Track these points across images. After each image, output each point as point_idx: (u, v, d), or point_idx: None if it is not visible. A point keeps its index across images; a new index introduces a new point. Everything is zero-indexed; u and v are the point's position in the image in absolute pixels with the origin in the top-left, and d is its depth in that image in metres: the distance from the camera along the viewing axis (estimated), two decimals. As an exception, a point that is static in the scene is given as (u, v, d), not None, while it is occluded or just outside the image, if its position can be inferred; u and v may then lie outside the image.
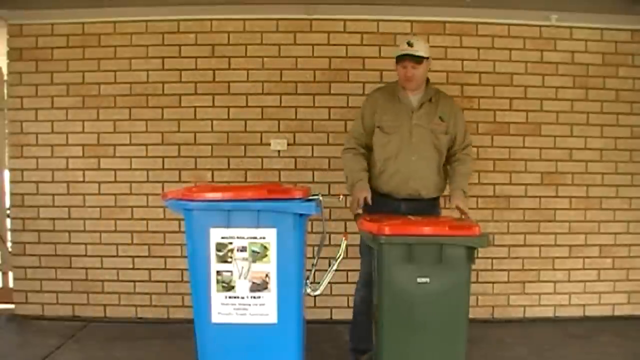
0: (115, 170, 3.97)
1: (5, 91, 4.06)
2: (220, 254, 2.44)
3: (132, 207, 3.97)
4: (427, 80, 3.05)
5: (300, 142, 3.96)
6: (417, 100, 3.01)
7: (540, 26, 3.98)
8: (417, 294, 2.47)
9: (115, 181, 3.98)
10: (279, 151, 3.95)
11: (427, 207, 2.98)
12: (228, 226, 2.42)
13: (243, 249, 2.44)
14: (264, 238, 2.43)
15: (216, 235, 2.43)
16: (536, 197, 4.02)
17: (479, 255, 3.80)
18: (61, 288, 4.00)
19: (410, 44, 2.88)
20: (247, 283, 2.45)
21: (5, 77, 4.05)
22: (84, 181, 3.98)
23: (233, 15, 3.92)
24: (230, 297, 2.45)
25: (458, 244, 2.47)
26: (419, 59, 2.87)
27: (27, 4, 3.87)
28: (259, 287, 2.45)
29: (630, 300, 4.08)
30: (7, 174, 4.13)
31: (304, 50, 3.93)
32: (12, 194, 4.06)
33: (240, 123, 3.96)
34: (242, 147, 3.96)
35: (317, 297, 3.33)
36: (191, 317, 2.54)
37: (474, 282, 3.64)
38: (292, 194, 2.47)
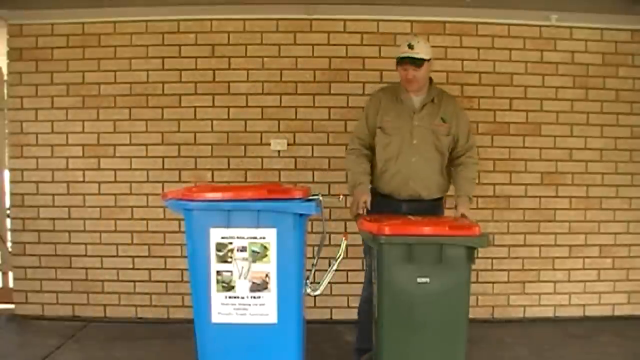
0: (115, 170, 3.97)
1: (5, 91, 4.07)
2: (220, 254, 2.44)
3: (132, 207, 3.98)
4: (431, 80, 3.03)
5: (300, 142, 3.96)
6: (419, 101, 2.99)
7: (540, 26, 3.98)
8: (417, 294, 2.46)
9: (115, 181, 3.98)
10: (279, 151, 3.95)
11: (428, 208, 2.96)
12: (228, 226, 2.42)
13: (243, 249, 2.44)
14: (264, 238, 2.43)
15: (216, 235, 2.43)
16: (536, 197, 4.02)
17: (479, 255, 3.81)
18: (61, 288, 4.00)
19: (410, 46, 2.86)
20: (247, 283, 2.44)
21: (5, 77, 4.05)
22: (84, 181, 3.98)
23: (233, 15, 3.92)
24: (230, 297, 2.45)
25: (458, 244, 2.46)
26: (419, 62, 2.85)
27: (27, 4, 3.87)
28: (259, 287, 2.45)
29: (630, 300, 4.08)
30: (7, 174, 4.13)
31: (304, 50, 3.93)
32: (12, 194, 4.06)
33: (240, 123, 3.96)
34: (242, 147, 3.96)
35: (317, 297, 3.33)
36: (191, 317, 2.53)
37: (474, 282, 3.64)
38: (292, 194, 2.47)
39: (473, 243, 2.47)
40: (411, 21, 3.94)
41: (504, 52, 3.98)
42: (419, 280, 2.46)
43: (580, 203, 4.04)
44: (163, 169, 3.97)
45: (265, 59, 3.94)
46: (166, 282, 3.98)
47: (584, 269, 4.05)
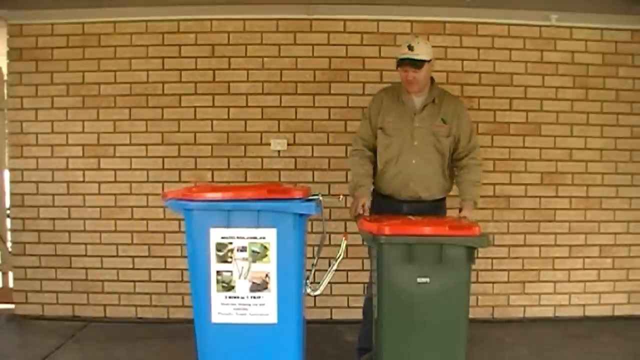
0: (115, 170, 3.97)
1: (5, 91, 4.07)
2: (220, 254, 2.44)
3: (132, 207, 3.98)
4: (432, 80, 3.01)
5: (300, 142, 3.96)
6: (420, 102, 2.97)
7: (540, 26, 3.98)
8: (417, 294, 2.46)
9: (115, 181, 3.98)
10: (279, 151, 3.95)
11: (429, 209, 2.94)
12: (228, 226, 2.42)
13: (243, 249, 2.44)
14: (264, 238, 2.43)
15: (216, 235, 2.43)
16: (536, 197, 4.02)
17: (479, 255, 3.82)
18: (61, 288, 4.00)
19: (410, 48, 2.83)
20: (247, 283, 2.44)
21: (5, 77, 4.05)
22: (84, 181, 3.98)
23: (233, 15, 3.92)
24: (230, 297, 2.45)
25: (458, 244, 2.46)
26: (419, 63, 2.83)
27: (27, 4, 3.87)
28: (259, 287, 2.45)
29: (630, 300, 4.08)
30: (7, 174, 4.13)
31: (304, 50, 3.93)
32: (12, 194, 4.06)
33: (240, 123, 3.96)
34: (242, 147, 3.96)
35: (317, 297, 3.33)
36: (191, 317, 2.53)
37: (474, 282, 3.64)
38: (292, 194, 2.47)
39: (473, 243, 2.47)
40: (411, 21, 3.94)
41: (504, 52, 3.98)
42: (419, 280, 2.46)
43: (580, 203, 4.04)
44: (163, 169, 3.97)
45: (265, 59, 3.94)
46: (166, 282, 3.98)
47: (584, 269, 4.05)
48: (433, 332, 2.48)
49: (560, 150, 4.02)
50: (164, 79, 3.95)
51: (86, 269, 3.99)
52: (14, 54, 3.98)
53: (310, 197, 2.52)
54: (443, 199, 3.07)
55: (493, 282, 4.02)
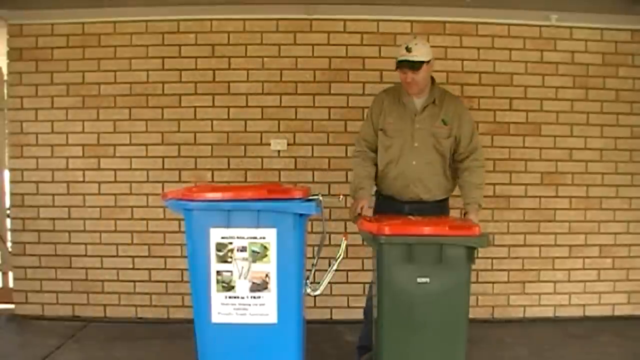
0: (115, 170, 3.97)
1: (5, 91, 4.07)
2: (220, 254, 2.44)
3: (132, 207, 3.98)
4: (433, 80, 2.99)
5: (300, 142, 3.96)
6: (420, 103, 2.95)
7: (540, 26, 3.98)
8: (417, 294, 2.46)
9: (115, 181, 3.98)
10: (279, 151, 3.95)
11: (431, 209, 2.93)
12: (228, 226, 2.42)
13: (243, 249, 2.44)
14: (264, 238, 2.43)
15: (216, 235, 2.43)
16: (536, 197, 4.02)
17: (479, 255, 3.82)
18: (61, 288, 4.00)
19: (408, 49, 2.81)
20: (247, 283, 2.44)
21: (5, 77, 4.05)
22: (84, 181, 3.99)
23: (233, 15, 3.92)
24: (230, 297, 2.45)
25: (458, 244, 2.46)
26: (417, 65, 2.81)
27: (27, 4, 3.87)
28: (259, 287, 2.45)
29: (630, 300, 4.08)
30: (7, 174, 4.13)
31: (304, 50, 3.93)
32: (12, 194, 4.06)
33: (240, 123, 3.96)
34: (242, 147, 3.96)
35: (317, 297, 3.33)
36: (191, 317, 2.53)
37: (474, 282, 3.64)
38: (292, 194, 2.47)
39: (473, 243, 2.47)
40: (411, 21, 3.94)
41: (504, 52, 3.98)
42: (419, 280, 2.46)
43: (580, 203, 4.04)
44: (163, 169, 3.97)
45: (265, 59, 3.94)
46: (166, 282, 3.98)
47: (584, 269, 4.05)
48: (433, 332, 2.48)
49: (560, 150, 4.02)
50: (164, 79, 3.95)
51: (86, 269, 3.99)
52: (14, 54, 3.98)
53: (310, 197, 2.52)
54: (445, 200, 3.06)
55: (493, 282, 4.02)
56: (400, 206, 2.96)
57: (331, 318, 3.97)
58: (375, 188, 3.09)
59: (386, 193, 3.03)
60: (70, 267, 3.99)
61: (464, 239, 2.47)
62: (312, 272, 2.66)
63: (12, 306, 4.05)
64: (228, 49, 3.94)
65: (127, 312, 3.99)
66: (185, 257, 2.51)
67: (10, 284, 4.14)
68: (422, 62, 2.82)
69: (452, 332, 2.50)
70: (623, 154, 4.05)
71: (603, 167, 4.04)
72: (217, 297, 2.45)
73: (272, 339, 2.45)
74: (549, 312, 4.05)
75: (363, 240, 2.76)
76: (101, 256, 3.99)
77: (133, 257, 3.98)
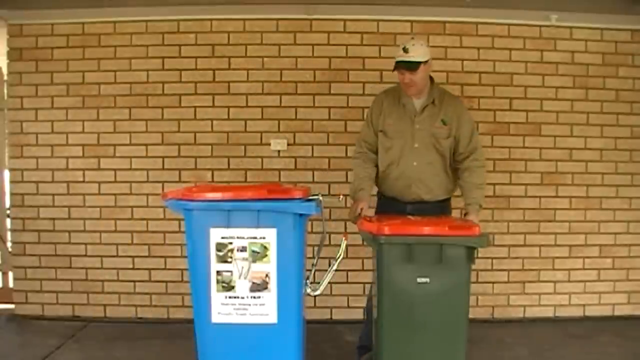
0: (115, 170, 3.97)
1: (5, 91, 4.07)
2: (220, 254, 2.44)
3: (132, 207, 3.98)
4: (432, 80, 2.98)
5: (300, 142, 3.96)
6: (420, 103, 2.95)
7: (540, 26, 3.98)
8: (417, 294, 2.46)
9: (115, 181, 3.98)
10: (279, 151, 3.95)
11: (434, 210, 2.92)
12: (228, 226, 2.42)
13: (243, 249, 2.44)
14: (264, 238, 2.43)
15: (216, 235, 2.43)
16: (536, 197, 4.02)
17: (479, 255, 3.81)
18: (61, 288, 4.00)
19: (405, 50, 2.80)
20: (247, 283, 2.44)
21: (5, 77, 4.05)
22: (84, 181, 3.99)
23: (233, 15, 3.92)
24: (230, 297, 2.45)
25: (458, 244, 2.46)
26: (414, 65, 2.79)
27: (27, 4, 3.87)
28: (259, 287, 2.45)
29: (630, 300, 4.08)
30: (7, 174, 4.13)
31: (304, 50, 3.93)
32: (12, 194, 4.06)
33: (240, 123, 3.96)
34: (242, 147, 3.96)
35: (317, 297, 3.33)
36: (191, 317, 2.53)
37: (474, 282, 3.64)
38: (292, 194, 2.47)
39: (473, 243, 2.46)
40: (411, 21, 3.94)
41: (504, 52, 3.98)
42: (418, 280, 2.46)
43: (580, 203, 4.04)
44: (163, 169, 3.97)
45: (265, 59, 3.94)
46: (166, 282, 3.98)
47: (584, 269, 4.05)
48: (433, 332, 2.48)
49: (560, 150, 4.02)
50: (164, 79, 3.95)
51: (86, 269, 3.99)
52: (14, 54, 3.98)
53: (310, 197, 2.52)
54: (447, 200, 3.05)
55: (493, 282, 4.02)
56: (402, 207, 2.95)
57: (331, 318, 3.97)
58: (374, 189, 3.09)
59: (388, 194, 3.03)
60: (70, 267, 3.99)
61: (463, 239, 2.47)
62: (312, 272, 2.66)
63: (12, 306, 4.05)
64: (228, 49, 3.94)
65: (127, 312, 3.99)
66: (185, 257, 2.51)
67: (10, 284, 4.14)
68: (419, 63, 2.81)
69: (452, 332, 2.50)
70: (623, 154, 4.05)
71: (603, 167, 4.04)
72: (217, 297, 2.45)
73: (272, 339, 2.45)
74: (549, 312, 4.05)
75: (363, 240, 2.76)
76: (101, 256, 3.99)
77: (133, 257, 3.98)
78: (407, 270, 2.45)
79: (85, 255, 3.99)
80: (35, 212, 3.99)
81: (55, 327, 3.82)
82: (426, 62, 2.84)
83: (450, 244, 2.45)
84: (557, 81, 4.01)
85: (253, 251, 2.43)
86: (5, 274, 4.22)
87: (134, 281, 3.99)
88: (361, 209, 2.92)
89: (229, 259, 2.44)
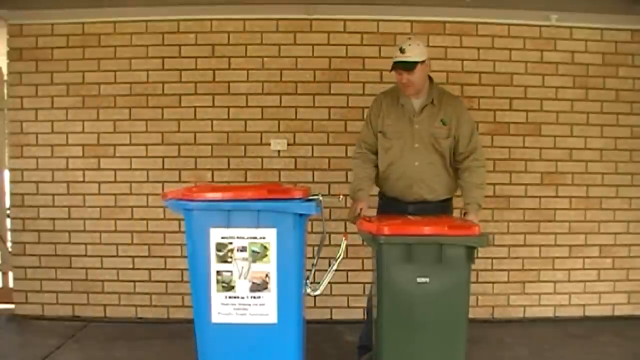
0: (115, 170, 3.97)
1: (5, 91, 4.07)
2: (220, 254, 2.44)
3: (132, 207, 3.98)
4: (431, 80, 2.98)
5: (300, 142, 3.96)
6: (419, 103, 2.94)
7: (540, 26, 3.98)
8: (416, 294, 2.46)
9: (115, 181, 3.98)
10: (279, 151, 3.95)
11: (435, 210, 2.92)
12: (228, 226, 2.42)
13: (243, 249, 2.44)
14: (264, 238, 2.43)
15: (216, 235, 2.43)
16: (536, 197, 4.02)
17: (479, 255, 3.81)
18: (61, 288, 4.00)
19: (402, 50, 2.81)
20: (247, 283, 2.44)
21: (5, 77, 4.05)
22: (84, 181, 3.99)
23: (233, 15, 3.92)
24: (230, 297, 2.45)
25: (458, 244, 2.46)
26: (411, 65, 2.79)
27: (27, 4, 3.87)
28: (259, 287, 2.45)
29: (630, 300, 4.08)
30: (7, 174, 4.13)
31: (304, 50, 3.93)
32: (12, 194, 4.06)
33: (240, 123, 3.96)
34: (242, 147, 3.96)
35: (317, 297, 3.33)
36: (191, 317, 2.53)
37: (474, 282, 3.64)
38: (292, 194, 2.47)
39: (472, 243, 2.46)
40: (411, 21, 3.94)
41: (504, 52, 3.98)
42: (418, 280, 2.46)
43: (580, 203, 4.04)
44: (163, 169, 3.97)
45: (265, 59, 3.94)
46: (166, 282, 3.98)
47: (584, 269, 4.05)
48: (433, 332, 2.48)
49: (560, 150, 4.02)
50: (164, 79, 3.95)
51: (86, 269, 3.99)
52: (14, 54, 3.98)
53: (310, 197, 2.52)
54: (449, 199, 3.05)
55: (493, 282, 4.02)
56: (404, 207, 2.95)
57: (331, 318, 3.97)
58: (374, 189, 3.08)
59: (390, 194, 3.02)
60: (70, 267, 3.99)
61: (463, 239, 2.47)
62: (312, 272, 2.66)
63: (12, 306, 4.05)
64: (228, 49, 3.94)
65: (127, 312, 3.99)
66: (185, 257, 2.51)
67: (10, 284, 4.14)
68: (416, 63, 2.80)
69: (452, 332, 2.50)
70: (623, 154, 4.05)
71: (603, 167, 4.04)
72: (217, 297, 2.45)
73: (272, 339, 2.45)
74: (549, 312, 4.05)
75: (363, 240, 2.77)
76: (101, 256, 3.99)
77: (133, 257, 3.99)
78: (407, 270, 2.45)
79: (85, 255, 3.99)
80: (35, 212, 3.99)
81: (55, 327, 3.82)
82: (423, 62, 2.84)
83: (450, 244, 2.45)
84: (557, 81, 4.01)
85: (253, 251, 2.43)
86: (5, 274, 4.22)
87: (134, 281, 3.99)
88: (360, 209, 2.92)
89: (229, 259, 2.44)
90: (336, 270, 2.66)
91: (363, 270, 3.84)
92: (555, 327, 3.88)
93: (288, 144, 3.94)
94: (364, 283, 3.83)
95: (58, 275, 4.00)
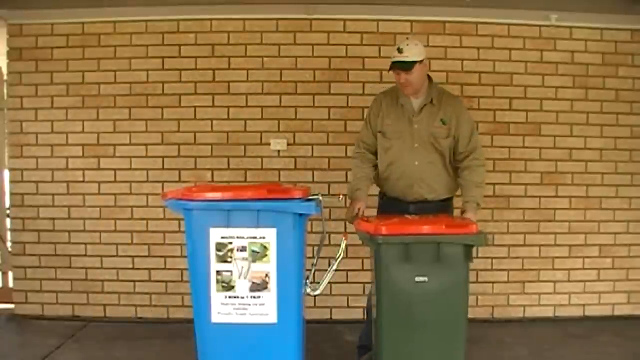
0: (115, 170, 3.97)
1: (5, 91, 4.07)
2: (220, 254, 2.44)
3: (132, 207, 3.98)
4: (430, 80, 2.98)
5: (300, 142, 3.96)
6: (418, 103, 2.94)
7: (540, 26, 3.98)
8: (415, 294, 2.46)
9: (115, 181, 3.98)
10: (279, 151, 3.95)
11: (436, 209, 2.92)
12: (228, 226, 2.42)
13: (243, 249, 2.44)
14: (264, 238, 2.43)
15: (216, 235, 2.43)
16: (536, 197, 4.02)
17: (479, 255, 3.82)
18: (61, 288, 4.00)
19: (400, 50, 2.80)
20: (247, 283, 2.44)
21: (5, 77, 4.05)
22: (84, 181, 3.99)
23: (233, 15, 3.92)
24: (230, 297, 2.45)
25: (455, 243, 2.46)
26: (409, 65, 2.79)
27: (27, 4, 3.87)
28: (259, 287, 2.45)
29: (630, 300, 4.08)
30: (7, 174, 4.13)
31: (304, 50, 3.93)
32: (12, 194, 4.06)
33: (240, 123, 3.96)
34: (242, 147, 3.96)
35: (317, 297, 3.33)
36: (191, 317, 2.53)
37: (474, 282, 3.65)
38: (292, 194, 2.47)
39: (470, 241, 2.46)
40: (411, 21, 3.94)
41: (504, 52, 3.98)
42: (417, 279, 2.46)
43: (580, 203, 4.04)
44: (163, 169, 3.97)
45: (265, 59, 3.94)
46: (166, 282, 3.98)
47: (584, 269, 4.05)
48: (432, 332, 2.48)
49: (560, 150, 4.02)
50: (164, 79, 3.95)
51: (86, 269, 3.99)
52: (14, 54, 3.98)
53: (310, 197, 2.52)
54: (450, 199, 3.05)
55: (493, 282, 4.02)
56: (405, 207, 2.95)
57: (331, 318, 3.97)
58: (372, 189, 3.08)
59: (391, 195, 3.02)
60: (70, 267, 3.99)
61: (461, 238, 2.47)
62: (312, 272, 2.66)
63: (12, 306, 4.05)
64: (228, 49, 3.94)
65: (127, 312, 3.99)
66: (185, 257, 2.51)
67: (10, 284, 4.14)
68: (414, 63, 2.80)
69: (452, 331, 2.50)
70: (623, 154, 4.05)
71: (603, 167, 4.04)
72: (217, 297, 2.45)
73: (272, 339, 2.45)
74: (549, 312, 4.05)
75: (363, 241, 2.77)
76: (101, 256, 3.99)
77: (133, 257, 3.98)
78: (405, 270, 2.45)
79: (85, 255, 3.99)
80: (35, 212, 3.99)
81: (55, 327, 3.82)
82: (421, 61, 2.84)
83: (448, 243, 2.45)
84: (557, 81, 4.01)
85: (253, 251, 2.43)
86: (5, 274, 4.22)
87: (134, 281, 3.99)
88: (359, 210, 2.93)
89: (229, 259, 2.44)
90: (336, 270, 2.66)
91: (363, 270, 3.84)
92: (555, 327, 3.88)
93: (288, 144, 3.94)
94: (364, 283, 3.83)
95: (58, 275, 4.00)
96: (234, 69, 3.94)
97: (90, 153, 3.98)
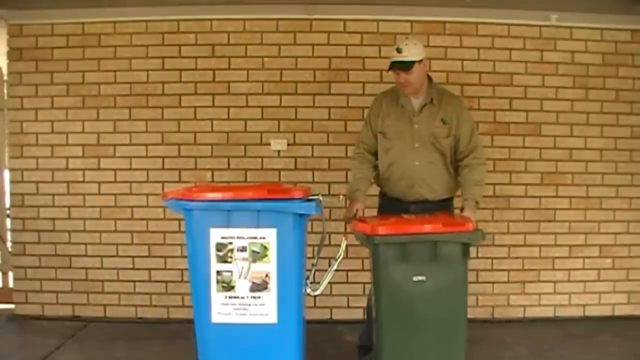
0: (115, 170, 3.97)
1: (5, 91, 4.07)
2: (220, 254, 2.44)
3: (132, 207, 3.98)
4: (430, 80, 2.98)
5: (300, 142, 3.96)
6: (418, 103, 2.94)
7: (540, 26, 3.98)
8: (414, 293, 2.46)
9: (115, 181, 3.98)
10: (279, 151, 3.95)
11: (436, 209, 2.91)
12: (228, 226, 2.42)
13: (243, 249, 2.44)
14: (264, 238, 2.43)
15: (216, 235, 2.43)
16: (536, 197, 4.02)
17: (479, 255, 3.82)
18: (61, 288, 4.00)
19: (399, 50, 2.80)
20: (247, 283, 2.44)
21: (5, 77, 4.05)
22: (84, 181, 3.99)
23: (233, 15, 3.92)
24: (230, 297, 2.45)
25: (452, 241, 2.46)
26: (408, 65, 2.79)
27: (27, 4, 3.87)
28: (259, 287, 2.45)
29: (630, 300, 4.08)
30: (7, 174, 4.13)
31: (304, 50, 3.93)
32: (12, 194, 4.06)
33: (240, 123, 3.96)
34: (242, 147, 3.96)
35: (317, 297, 3.33)
36: (191, 317, 2.53)
37: (474, 282, 3.65)
38: (292, 194, 2.47)
39: (466, 239, 2.46)
40: (411, 21, 3.94)
41: (504, 52, 3.98)
42: (414, 278, 2.46)
43: (580, 203, 4.04)
44: (163, 169, 3.97)
45: (265, 59, 3.94)
46: (166, 282, 3.98)
47: (584, 269, 4.04)
48: (432, 331, 2.48)
49: (560, 150, 4.02)
50: (164, 79, 3.95)
51: (86, 269, 3.99)
52: (14, 54, 3.98)
53: (310, 197, 2.52)
54: (450, 199, 3.05)
55: (493, 282, 4.02)
56: (406, 207, 2.94)
57: (331, 318, 3.97)
58: (371, 189, 3.08)
59: (391, 195, 3.02)
60: (70, 267, 3.99)
61: (457, 235, 2.47)
62: (312, 272, 2.66)
63: (12, 306, 4.05)
64: (228, 49, 3.94)
65: (127, 312, 3.99)
66: (185, 257, 2.51)
67: (10, 284, 4.14)
68: (413, 62, 2.80)
69: (451, 330, 2.50)
70: (623, 154, 4.05)
71: (603, 167, 4.04)
72: (217, 297, 2.45)
73: (272, 339, 2.45)
74: (549, 312, 4.05)
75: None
76: (101, 256, 3.99)
77: (133, 257, 3.98)
78: (403, 269, 2.45)
79: (85, 255, 3.99)
80: (35, 212, 3.99)
81: (55, 327, 3.82)
82: (420, 61, 2.84)
83: (444, 241, 2.45)
84: (557, 81, 4.01)
85: (253, 251, 2.44)
86: (5, 274, 4.21)
87: (134, 281, 3.99)
88: (357, 210, 2.93)
89: (229, 259, 2.44)
90: (336, 270, 2.67)
91: (363, 270, 3.84)
92: (555, 327, 3.88)
93: (288, 144, 3.94)
94: (364, 283, 3.82)
95: (58, 275, 3.99)
96: (234, 69, 3.94)
97: (90, 153, 3.98)
